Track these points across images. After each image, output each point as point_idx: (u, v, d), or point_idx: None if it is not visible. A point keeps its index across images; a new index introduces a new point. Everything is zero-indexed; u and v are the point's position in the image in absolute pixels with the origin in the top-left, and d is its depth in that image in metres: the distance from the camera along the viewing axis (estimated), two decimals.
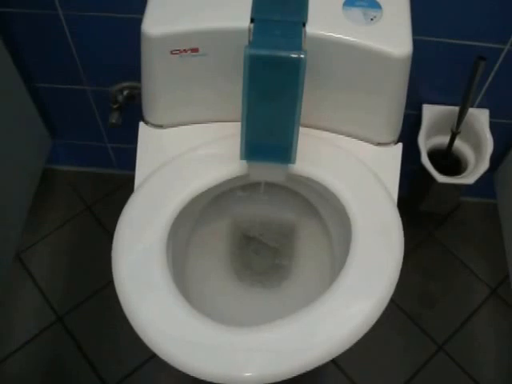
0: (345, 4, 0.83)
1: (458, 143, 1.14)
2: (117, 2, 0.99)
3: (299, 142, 0.85)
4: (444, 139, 1.15)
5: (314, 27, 0.79)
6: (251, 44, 0.77)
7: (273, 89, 0.78)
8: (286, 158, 0.86)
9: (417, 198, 1.23)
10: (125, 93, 1.16)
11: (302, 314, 0.76)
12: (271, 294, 1.04)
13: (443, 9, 0.95)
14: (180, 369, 0.74)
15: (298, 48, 0.76)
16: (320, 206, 0.98)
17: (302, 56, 0.74)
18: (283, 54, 0.75)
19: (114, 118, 1.16)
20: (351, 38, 0.79)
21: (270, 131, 0.84)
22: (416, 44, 0.99)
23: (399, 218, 0.85)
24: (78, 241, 1.38)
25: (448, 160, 1.15)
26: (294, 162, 0.86)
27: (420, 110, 1.13)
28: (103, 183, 1.46)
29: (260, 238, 1.14)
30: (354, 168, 0.88)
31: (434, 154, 1.15)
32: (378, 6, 0.83)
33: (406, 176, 1.29)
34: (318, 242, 1.04)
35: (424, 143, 1.08)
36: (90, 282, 1.32)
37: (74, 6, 1.01)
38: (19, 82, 1.17)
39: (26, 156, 1.26)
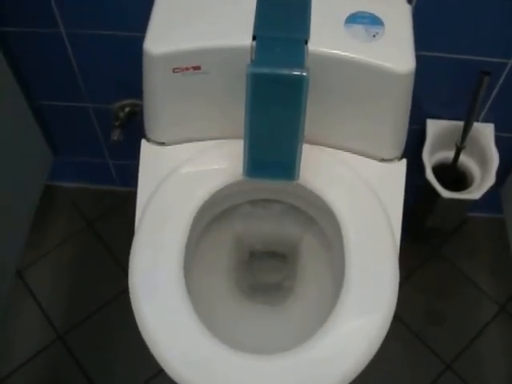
0: (347, 21, 0.82)
1: (463, 158, 1.13)
2: (118, 20, 0.99)
3: (302, 155, 0.84)
4: (449, 154, 1.13)
5: (316, 44, 0.79)
6: (254, 62, 0.76)
7: (276, 106, 0.77)
8: (290, 174, 0.85)
9: (422, 213, 1.22)
10: (126, 110, 1.16)
11: (308, 344, 0.75)
12: (275, 311, 1.02)
13: (446, 24, 0.95)
14: None
15: (301, 66, 0.75)
16: (321, 221, 0.97)
17: (304, 74, 0.73)
18: (286, 72, 0.74)
19: (116, 135, 1.16)
20: (354, 55, 0.78)
21: (273, 148, 0.83)
22: (419, 59, 0.98)
23: (394, 239, 0.84)
24: (79, 258, 1.37)
25: (453, 175, 1.14)
26: (297, 179, 0.85)
27: (424, 124, 1.11)
28: (104, 200, 1.45)
29: (263, 254, 1.13)
30: (355, 185, 0.87)
31: (439, 170, 1.13)
32: (379, 23, 0.82)
33: (411, 191, 1.29)
34: (321, 257, 1.02)
35: (428, 158, 1.07)
36: (91, 300, 1.31)
37: (76, 23, 1.01)
38: (21, 98, 1.16)
39: (28, 173, 1.26)
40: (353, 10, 0.83)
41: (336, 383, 0.74)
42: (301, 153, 0.82)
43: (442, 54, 0.99)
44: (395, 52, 0.79)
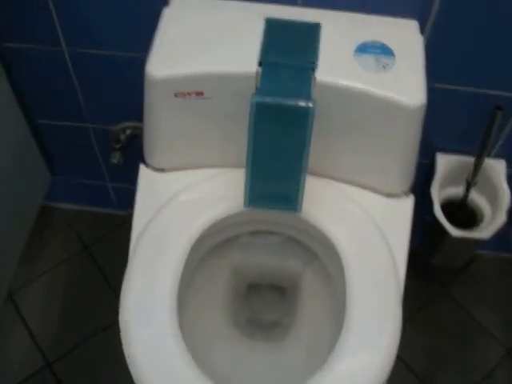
0: (357, 50, 0.79)
1: (473, 194, 1.09)
2: (120, 40, 0.96)
3: (306, 188, 0.81)
4: (459, 190, 1.09)
5: (324, 73, 0.76)
6: (258, 91, 0.73)
7: (279, 137, 0.74)
8: (292, 205, 0.81)
9: (429, 250, 1.17)
10: (127, 132, 1.12)
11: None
12: (273, 348, 0.98)
13: (460, 56, 0.91)
14: None
15: (307, 97, 0.72)
16: (323, 256, 0.93)
17: (310, 105, 0.70)
18: (291, 102, 0.71)
19: (116, 159, 1.12)
20: (362, 86, 0.75)
21: (275, 178, 0.80)
22: (431, 91, 0.95)
23: (397, 278, 0.80)
24: (73, 282, 1.33)
25: (463, 212, 1.10)
26: (299, 211, 0.82)
27: (434, 158, 1.08)
28: (102, 223, 1.41)
29: (262, 288, 1.09)
30: (359, 221, 0.83)
31: (448, 206, 1.09)
32: (390, 53, 0.79)
33: (419, 227, 1.24)
34: (322, 293, 0.98)
35: (437, 194, 1.03)
36: (82, 327, 1.26)
37: (78, 42, 0.99)
38: (20, 117, 1.13)
39: (24, 192, 1.22)
40: (364, 39, 0.81)
41: None
42: (304, 184, 0.78)
43: (454, 86, 0.96)
44: (406, 84, 0.76)
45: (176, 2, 0.85)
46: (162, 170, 0.89)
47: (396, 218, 0.85)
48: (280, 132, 0.73)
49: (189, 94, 0.77)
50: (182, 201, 0.85)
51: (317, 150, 0.82)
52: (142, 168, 0.90)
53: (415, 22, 0.85)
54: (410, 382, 1.19)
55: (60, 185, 1.35)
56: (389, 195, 0.87)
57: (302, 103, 0.70)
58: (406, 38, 0.82)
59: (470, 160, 1.03)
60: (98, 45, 0.98)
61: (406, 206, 0.87)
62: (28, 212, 1.27)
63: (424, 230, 1.18)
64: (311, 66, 0.76)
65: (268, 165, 0.77)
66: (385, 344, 0.74)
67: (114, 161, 1.12)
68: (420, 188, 1.13)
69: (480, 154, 0.99)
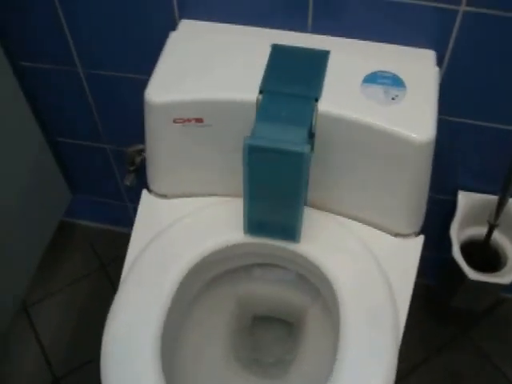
0: (365, 80, 0.76)
1: (496, 235, 1.02)
2: (134, 63, 0.96)
3: (308, 222, 0.79)
4: (482, 230, 1.03)
5: (327, 104, 0.73)
6: (252, 134, 0.70)
7: (275, 176, 0.71)
8: (291, 236, 0.79)
9: (447, 291, 1.11)
10: (143, 154, 1.12)
11: None
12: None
13: (482, 89, 0.86)
14: None
15: (302, 141, 0.68)
16: (324, 294, 0.89)
17: (305, 151, 0.67)
18: (285, 146, 0.67)
19: (129, 181, 1.11)
20: (365, 118, 0.72)
21: (273, 210, 0.77)
22: (453, 126, 0.91)
23: (397, 325, 0.75)
24: (88, 300, 1.33)
25: (484, 254, 1.03)
26: (298, 241, 0.80)
27: (456, 195, 1.02)
28: (121, 242, 1.41)
29: (266, 322, 1.05)
30: (361, 260, 0.79)
31: (469, 246, 1.03)
32: (401, 85, 0.75)
33: (437, 265, 1.18)
34: (326, 332, 0.93)
35: (457, 234, 0.97)
36: (93, 346, 1.25)
37: (93, 65, 0.99)
38: (38, 135, 1.14)
39: (43, 209, 1.23)
40: (374, 69, 0.77)
41: None
42: (302, 216, 0.76)
43: (477, 121, 0.91)
44: (414, 118, 0.72)
45: (183, 26, 0.84)
46: (164, 196, 0.88)
47: (402, 257, 0.81)
48: (275, 171, 0.70)
49: (188, 120, 0.76)
50: (178, 229, 0.83)
51: (320, 183, 0.79)
52: (144, 193, 0.88)
53: (432, 52, 0.80)
54: None
55: (81, 202, 1.36)
56: (398, 235, 0.83)
57: (296, 148, 0.67)
58: (419, 68, 0.78)
59: (493, 199, 0.97)
60: (111, 67, 0.99)
61: (413, 246, 0.82)
62: (46, 228, 1.28)
63: (443, 269, 1.12)
64: (314, 96, 0.73)
65: (265, 198, 0.75)
66: None
67: (127, 183, 1.11)
68: (440, 226, 1.08)
69: (503, 193, 0.93)
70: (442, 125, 0.90)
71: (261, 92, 0.74)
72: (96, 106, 1.08)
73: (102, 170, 1.24)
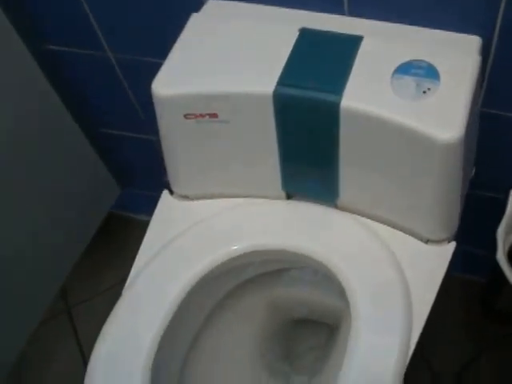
0: (397, 71, 0.68)
1: None
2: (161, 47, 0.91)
3: (332, 224, 0.76)
4: None
5: (351, 98, 0.65)
6: (279, 81, 0.66)
7: (306, 131, 0.68)
8: (329, 196, 0.76)
9: (493, 294, 1.02)
10: None
11: None
12: None
13: None
14: None
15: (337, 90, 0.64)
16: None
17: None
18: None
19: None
20: (391, 115, 0.64)
21: (308, 165, 0.74)
22: (503, 120, 0.81)
23: (408, 331, 0.68)
24: None
25: None
26: (337, 199, 0.76)
27: (507, 194, 0.92)
28: None
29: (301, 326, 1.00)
30: (381, 264, 0.72)
31: None
32: (435, 76, 0.66)
33: (489, 265, 1.09)
34: None
35: (503, 237, 0.88)
36: None
37: (121, 48, 0.95)
38: (77, 129, 1.13)
39: (89, 204, 1.23)
40: (409, 57, 0.69)
41: None
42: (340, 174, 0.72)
43: None
44: (442, 115, 0.63)
45: (208, 7, 0.78)
46: (184, 198, 0.83)
47: (428, 264, 0.73)
48: (307, 127, 0.66)
49: (201, 115, 0.70)
50: (196, 233, 0.78)
51: (345, 181, 0.73)
52: (164, 194, 0.84)
53: (477, 39, 0.71)
54: None
55: (132, 196, 1.34)
56: (428, 241, 0.75)
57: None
58: (458, 57, 0.68)
59: None
60: (140, 51, 0.94)
61: (441, 253, 0.74)
62: (91, 222, 1.27)
63: (491, 270, 1.03)
64: (336, 91, 0.66)
65: (299, 155, 0.72)
66: None
67: (167, 179, 1.07)
68: (492, 224, 0.99)
69: None
70: (492, 119, 0.81)
71: (278, 84, 0.67)
72: (134, 95, 1.04)
73: (148, 163, 1.21)
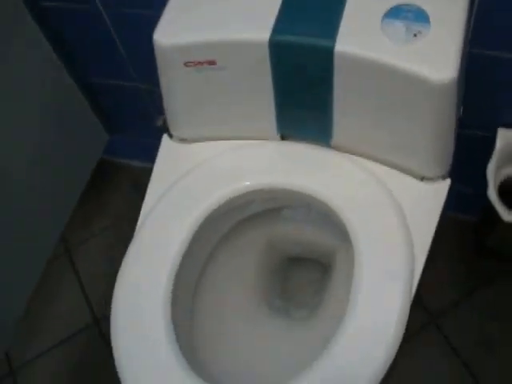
0: (386, 15, 0.70)
1: None
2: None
3: (329, 164, 0.80)
4: None
5: (344, 43, 0.68)
6: (274, 29, 0.69)
7: (301, 76, 0.71)
8: (323, 137, 0.79)
9: (483, 232, 1.07)
10: None
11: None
12: (294, 327, 0.95)
13: None
14: None
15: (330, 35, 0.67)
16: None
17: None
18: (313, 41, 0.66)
19: (161, 121, 1.11)
20: (384, 58, 0.67)
21: (302, 107, 0.77)
22: (495, 59, 0.84)
23: (411, 266, 0.73)
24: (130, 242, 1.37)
25: None
26: (330, 143, 0.79)
27: (495, 132, 0.96)
28: None
29: (296, 264, 1.05)
30: (379, 202, 0.76)
31: (508, 185, 0.98)
32: (425, 19, 0.69)
33: (475, 204, 1.13)
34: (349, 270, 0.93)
35: (493, 174, 0.92)
36: None
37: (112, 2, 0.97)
38: (67, 78, 1.16)
39: (80, 150, 1.26)
40: (397, 1, 0.71)
41: None
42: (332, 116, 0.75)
43: None
44: (434, 57, 0.66)
45: None
46: (184, 141, 0.87)
47: (425, 201, 0.78)
48: (301, 72, 0.69)
49: (200, 63, 0.73)
50: (199, 174, 0.82)
51: (339, 124, 0.77)
52: (165, 138, 0.88)
53: None
54: (454, 366, 1.11)
55: (121, 142, 1.38)
56: (423, 178, 0.79)
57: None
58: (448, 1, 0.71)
59: None
60: (130, 3, 0.96)
61: (439, 189, 0.78)
62: (83, 169, 1.31)
63: (482, 208, 1.07)
64: (330, 34, 0.69)
65: (293, 97, 0.75)
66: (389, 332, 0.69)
67: (160, 123, 1.11)
68: (482, 162, 1.03)
69: None
70: (479, 58, 0.84)
71: (273, 31, 0.70)
72: (121, 43, 1.06)
73: (137, 110, 1.24)
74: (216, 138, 0.85)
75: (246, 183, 0.80)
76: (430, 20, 0.69)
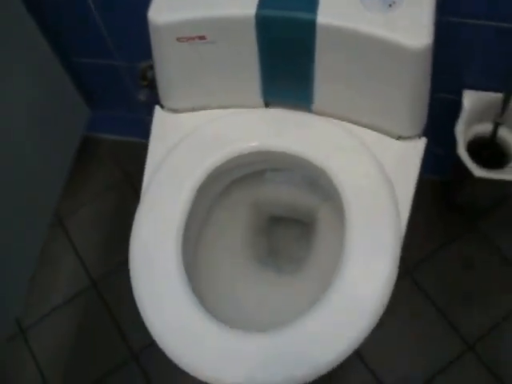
0: None
1: (503, 133, 1.04)
2: None
3: (312, 127, 0.85)
4: (488, 128, 1.05)
5: (325, 15, 0.74)
6: (260, 4, 0.74)
7: (285, 47, 0.77)
8: (305, 101, 0.84)
9: (454, 189, 1.15)
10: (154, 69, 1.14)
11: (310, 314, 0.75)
12: (285, 280, 1.02)
13: None
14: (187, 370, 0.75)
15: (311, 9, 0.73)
16: (330, 191, 0.94)
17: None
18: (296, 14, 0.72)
19: (143, 95, 1.15)
20: (364, 28, 0.73)
21: (285, 73, 0.83)
22: (460, 26, 0.91)
23: (398, 220, 0.80)
24: (117, 209, 1.42)
25: (492, 150, 1.06)
26: (312, 107, 0.85)
27: (461, 94, 1.03)
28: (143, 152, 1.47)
29: (282, 222, 1.11)
30: (362, 159, 0.83)
31: (476, 144, 1.05)
32: None
33: (446, 164, 1.21)
34: (334, 225, 0.99)
35: (462, 133, 1.00)
36: (125, 248, 1.34)
37: None
38: (51, 55, 1.18)
39: (64, 126, 1.28)
40: None
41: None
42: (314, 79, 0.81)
43: (484, 21, 0.90)
44: (410, 25, 0.73)
45: None
46: (175, 111, 0.92)
47: (404, 159, 0.85)
48: (285, 43, 0.74)
49: (191, 38, 0.78)
50: (194, 140, 0.88)
51: (324, 91, 0.82)
52: (157, 109, 0.93)
53: None
54: (429, 314, 1.20)
55: (102, 118, 1.41)
56: (400, 137, 0.86)
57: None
58: None
59: (498, 96, 0.98)
60: None
61: (416, 148, 0.85)
62: (69, 144, 1.33)
63: (452, 167, 1.15)
64: (311, 7, 0.74)
65: (277, 65, 0.81)
66: (383, 275, 0.76)
67: (142, 98, 1.15)
68: (451, 124, 1.10)
69: (508, 91, 0.94)
70: (444, 25, 0.90)
71: (259, 6, 0.75)
72: (103, 22, 1.09)
73: (117, 86, 1.27)
74: (204, 108, 0.91)
75: (242, 146, 0.86)
76: None
